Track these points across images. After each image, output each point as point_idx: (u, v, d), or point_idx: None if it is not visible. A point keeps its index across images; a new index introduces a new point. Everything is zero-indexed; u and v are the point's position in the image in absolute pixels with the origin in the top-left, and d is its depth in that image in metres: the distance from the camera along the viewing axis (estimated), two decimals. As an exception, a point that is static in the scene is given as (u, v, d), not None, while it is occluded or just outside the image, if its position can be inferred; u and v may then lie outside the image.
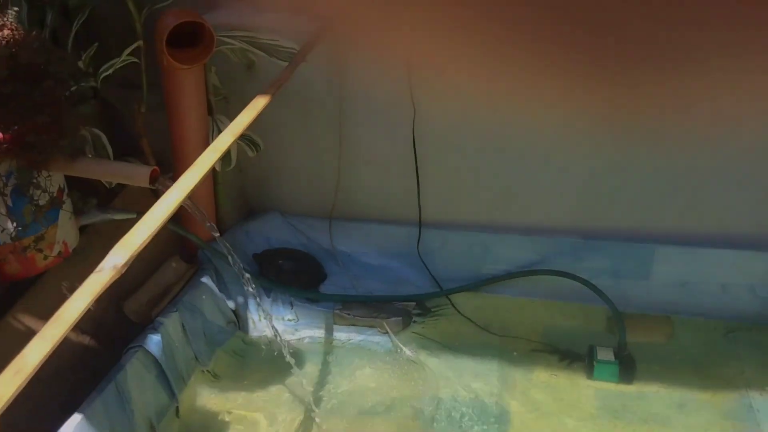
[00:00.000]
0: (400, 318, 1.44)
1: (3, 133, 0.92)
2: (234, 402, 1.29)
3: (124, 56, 1.14)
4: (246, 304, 1.46)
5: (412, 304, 1.48)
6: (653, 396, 1.29)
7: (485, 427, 1.23)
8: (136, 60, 1.17)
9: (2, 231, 0.99)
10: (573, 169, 1.44)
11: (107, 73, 1.13)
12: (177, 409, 1.24)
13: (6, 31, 0.93)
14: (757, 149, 1.33)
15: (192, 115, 1.27)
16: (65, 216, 1.08)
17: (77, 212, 1.13)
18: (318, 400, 1.29)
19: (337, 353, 1.41)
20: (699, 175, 1.39)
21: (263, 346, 1.42)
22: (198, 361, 1.31)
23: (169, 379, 1.21)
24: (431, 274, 1.53)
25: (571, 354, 1.38)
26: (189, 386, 1.28)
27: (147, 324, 1.25)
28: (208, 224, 1.04)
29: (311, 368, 1.37)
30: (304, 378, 1.33)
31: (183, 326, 1.29)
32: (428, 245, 1.54)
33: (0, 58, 0.90)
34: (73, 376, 1.17)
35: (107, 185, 1.22)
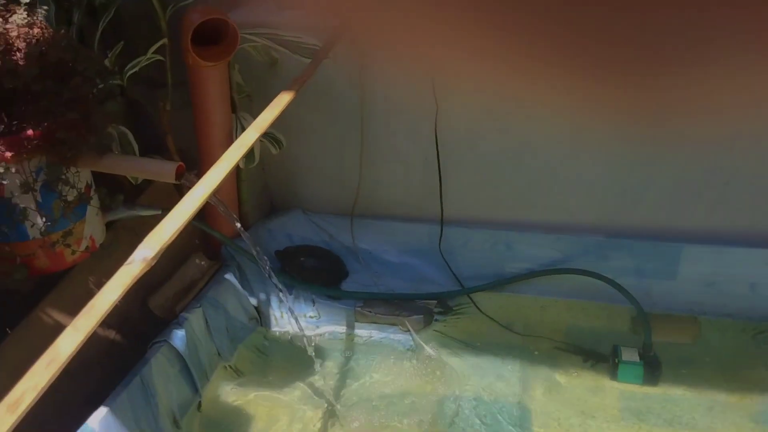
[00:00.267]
0: (422, 316, 1.43)
1: (33, 130, 0.94)
2: (256, 397, 1.30)
3: (149, 54, 1.15)
4: (268, 301, 1.47)
5: (433, 303, 1.48)
6: (679, 398, 1.27)
7: (507, 427, 1.22)
8: (161, 58, 1.18)
9: (32, 226, 1.01)
10: (597, 165, 1.42)
11: (133, 70, 1.15)
12: (199, 404, 1.25)
13: (36, 30, 0.95)
14: (788, 147, 1.30)
15: (216, 112, 1.28)
16: (92, 212, 1.09)
17: (104, 208, 1.15)
18: (339, 397, 1.29)
19: (358, 350, 1.41)
20: (727, 172, 1.37)
21: (285, 343, 1.43)
22: (220, 356, 1.33)
23: (192, 374, 1.23)
24: (453, 272, 1.52)
25: (595, 354, 1.36)
26: (212, 381, 1.29)
27: (171, 319, 1.27)
28: (234, 218, 1.04)
29: (332, 365, 1.38)
30: (326, 374, 1.33)
31: (206, 322, 1.30)
32: (450, 243, 1.54)
33: (30, 56, 0.92)
34: (99, 369, 1.19)
35: (133, 182, 1.23)
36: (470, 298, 1.48)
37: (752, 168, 1.36)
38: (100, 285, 0.61)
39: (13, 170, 0.95)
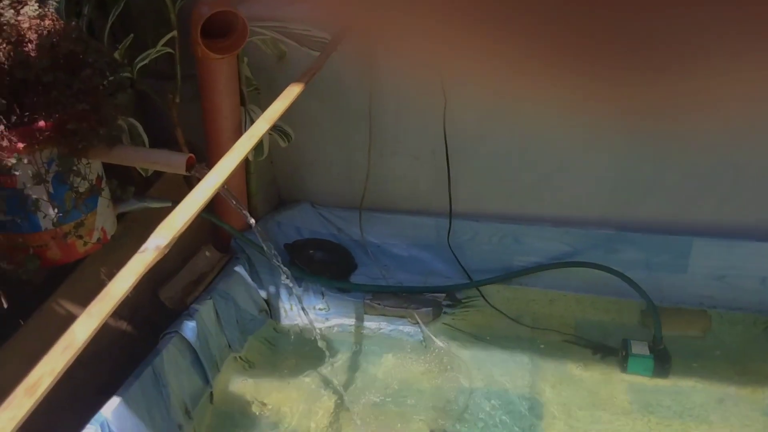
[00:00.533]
0: (431, 309, 1.43)
1: (45, 121, 0.95)
2: (266, 389, 1.31)
3: (159, 47, 1.15)
4: (278, 293, 1.47)
5: (442, 296, 1.48)
6: (689, 391, 1.26)
7: (517, 419, 1.22)
8: (170, 50, 1.19)
9: (44, 217, 1.02)
10: (607, 158, 1.41)
11: (143, 63, 1.15)
12: (211, 395, 1.26)
13: (47, 22, 0.95)
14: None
15: (225, 104, 1.28)
16: (104, 203, 1.10)
17: (116, 200, 1.16)
18: (348, 389, 1.30)
19: (367, 342, 1.41)
20: (738, 165, 1.36)
21: (295, 335, 1.43)
22: (231, 348, 1.33)
23: (203, 365, 1.23)
24: (461, 265, 1.52)
25: (604, 348, 1.36)
26: (222, 373, 1.30)
27: (182, 311, 1.27)
28: (243, 211, 1.05)
29: (342, 357, 1.38)
30: (335, 366, 1.33)
31: (217, 313, 1.31)
32: (459, 236, 1.54)
33: (42, 47, 0.93)
34: (111, 359, 1.20)
35: (143, 173, 1.24)
36: (479, 291, 1.48)
37: (763, 161, 1.35)
38: (111, 276, 0.61)
39: (26, 161, 0.95)
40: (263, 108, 1.00)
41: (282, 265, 1.20)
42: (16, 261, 1.03)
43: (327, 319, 1.46)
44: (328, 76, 1.39)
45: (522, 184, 1.49)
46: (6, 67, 0.91)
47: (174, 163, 0.97)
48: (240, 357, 1.35)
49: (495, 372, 1.32)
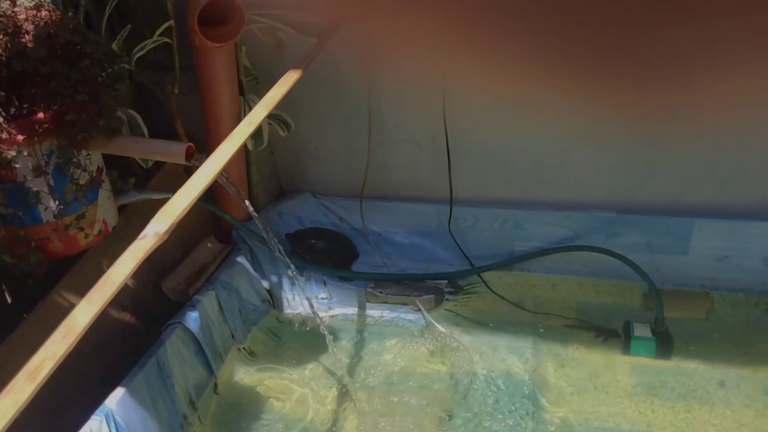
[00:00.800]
0: (432, 296, 1.44)
1: (44, 113, 0.95)
2: (270, 378, 1.31)
3: (156, 36, 1.15)
4: (280, 283, 1.48)
5: (444, 282, 1.48)
6: (692, 372, 1.27)
7: (520, 403, 1.22)
8: (168, 40, 1.18)
9: (45, 209, 1.02)
10: (607, 141, 1.41)
11: (140, 53, 1.15)
12: (215, 386, 1.26)
13: (44, 12, 0.95)
14: (801, 118, 1.29)
15: (224, 93, 1.28)
16: (105, 195, 1.10)
17: (117, 192, 1.16)
18: (352, 376, 1.30)
19: (371, 330, 1.42)
20: (738, 146, 1.35)
21: (298, 324, 1.44)
22: (234, 338, 1.34)
23: (207, 356, 1.24)
24: (463, 252, 1.52)
25: (606, 331, 1.36)
26: (226, 363, 1.30)
27: (184, 302, 1.28)
28: (243, 198, 1.05)
29: (345, 345, 1.38)
30: (339, 354, 1.34)
31: (219, 304, 1.31)
32: (460, 223, 1.54)
33: (39, 38, 0.92)
34: (114, 351, 1.20)
35: (143, 165, 1.24)
36: (480, 278, 1.48)
37: (764, 141, 1.34)
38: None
39: (25, 153, 0.95)
40: (262, 97, 1.00)
41: (283, 255, 1.20)
42: (18, 254, 1.03)
43: (329, 308, 1.47)
44: (326, 64, 1.39)
45: (522, 169, 1.49)
46: (3, 58, 0.91)
47: (173, 152, 0.97)
48: (243, 348, 1.36)
49: (498, 357, 1.32)
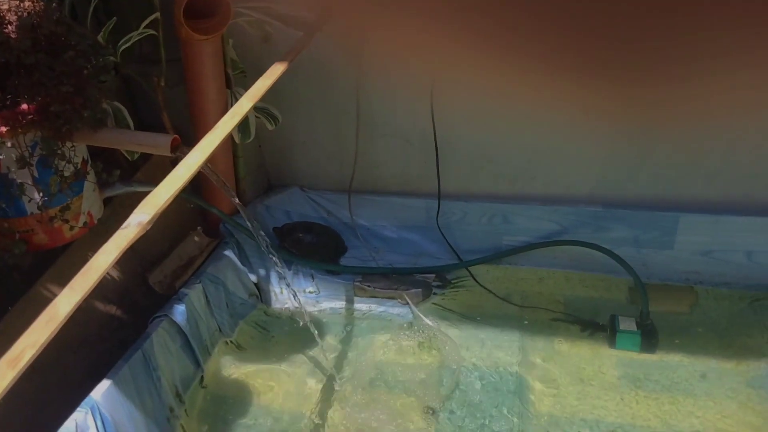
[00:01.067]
0: (420, 290, 1.44)
1: (28, 104, 0.94)
2: (257, 372, 1.31)
3: (142, 28, 1.14)
4: (268, 277, 1.48)
5: (431, 276, 1.49)
6: (676, 365, 1.28)
7: (506, 396, 1.23)
8: (153, 32, 1.17)
9: (29, 201, 1.01)
10: (594, 137, 1.42)
11: (126, 45, 1.14)
12: (202, 379, 1.26)
13: (27, 3, 0.94)
14: (784, 114, 1.30)
15: (211, 86, 1.27)
16: (90, 187, 1.10)
17: (102, 184, 1.15)
18: (340, 370, 1.31)
19: (358, 324, 1.42)
20: (724, 142, 1.37)
21: (285, 318, 1.44)
22: (221, 332, 1.34)
23: (194, 349, 1.24)
24: (451, 246, 1.53)
25: (593, 324, 1.37)
26: (213, 356, 1.30)
27: (171, 295, 1.27)
28: (229, 190, 1.05)
29: (332, 339, 1.39)
30: (326, 348, 1.34)
31: (206, 297, 1.31)
32: (448, 217, 1.54)
33: (22, 28, 0.92)
34: (100, 344, 1.20)
35: (129, 158, 1.23)
36: (468, 272, 1.49)
37: (750, 137, 1.36)
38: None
39: (9, 145, 0.95)
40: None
41: (268, 248, 1.20)
42: (2, 246, 1.02)
43: (317, 302, 1.47)
44: (315, 59, 1.39)
45: (510, 163, 1.49)
46: (-14, 49, 0.90)
47: (159, 144, 0.96)
48: (231, 341, 1.35)
49: (484, 350, 1.33)
